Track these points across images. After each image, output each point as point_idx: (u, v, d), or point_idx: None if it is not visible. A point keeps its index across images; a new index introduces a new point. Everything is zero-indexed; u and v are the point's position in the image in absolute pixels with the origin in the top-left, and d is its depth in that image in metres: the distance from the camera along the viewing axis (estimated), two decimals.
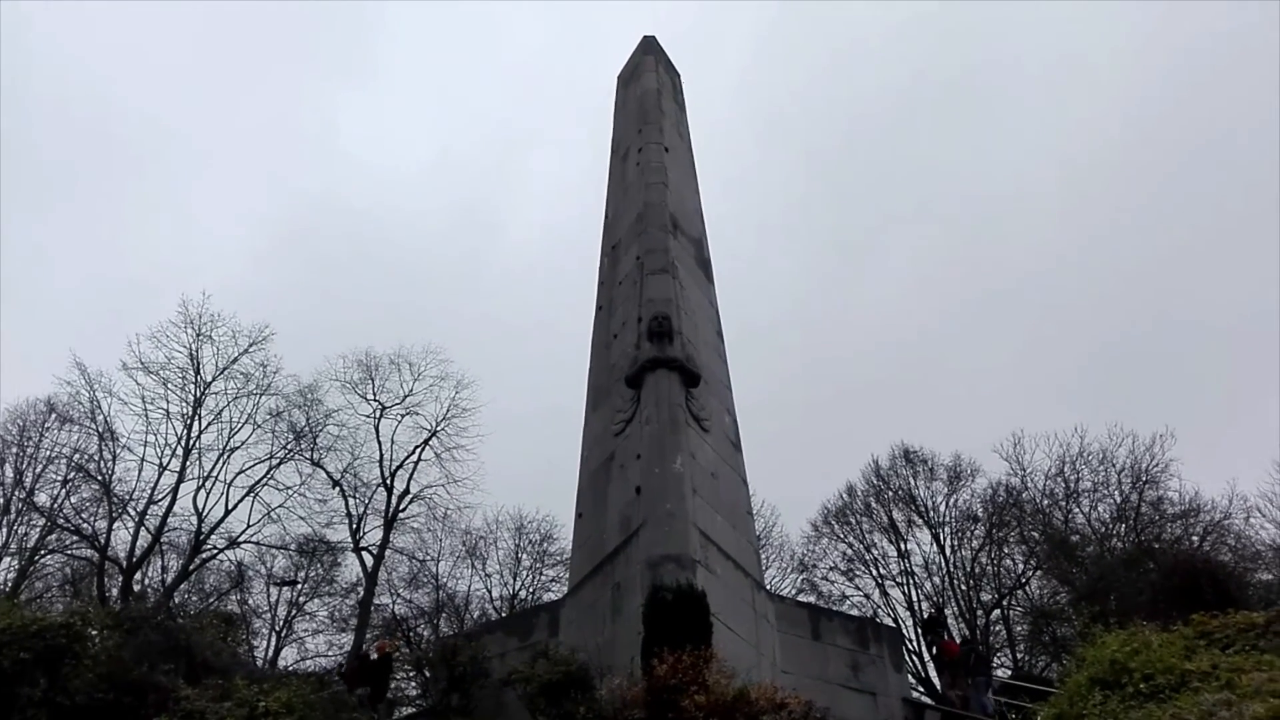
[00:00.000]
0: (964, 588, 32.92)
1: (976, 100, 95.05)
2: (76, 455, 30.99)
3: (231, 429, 31.30)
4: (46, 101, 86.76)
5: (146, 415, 30.21)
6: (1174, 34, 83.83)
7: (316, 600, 35.59)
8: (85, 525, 29.99)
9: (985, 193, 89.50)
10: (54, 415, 31.90)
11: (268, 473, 31.64)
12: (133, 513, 29.72)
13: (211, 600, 32.12)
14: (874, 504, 35.80)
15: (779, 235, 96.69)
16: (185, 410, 30.72)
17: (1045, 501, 33.12)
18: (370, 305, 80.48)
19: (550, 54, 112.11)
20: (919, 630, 30.46)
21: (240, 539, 31.13)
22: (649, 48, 29.76)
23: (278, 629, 34.15)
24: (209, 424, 31.04)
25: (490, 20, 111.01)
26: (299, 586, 34.78)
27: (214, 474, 30.69)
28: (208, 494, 30.49)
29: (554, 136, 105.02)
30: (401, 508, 33.74)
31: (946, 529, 34.17)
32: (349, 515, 33.41)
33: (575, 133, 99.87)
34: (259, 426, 31.87)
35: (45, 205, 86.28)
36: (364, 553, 33.32)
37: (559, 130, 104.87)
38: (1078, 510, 32.46)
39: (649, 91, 27.38)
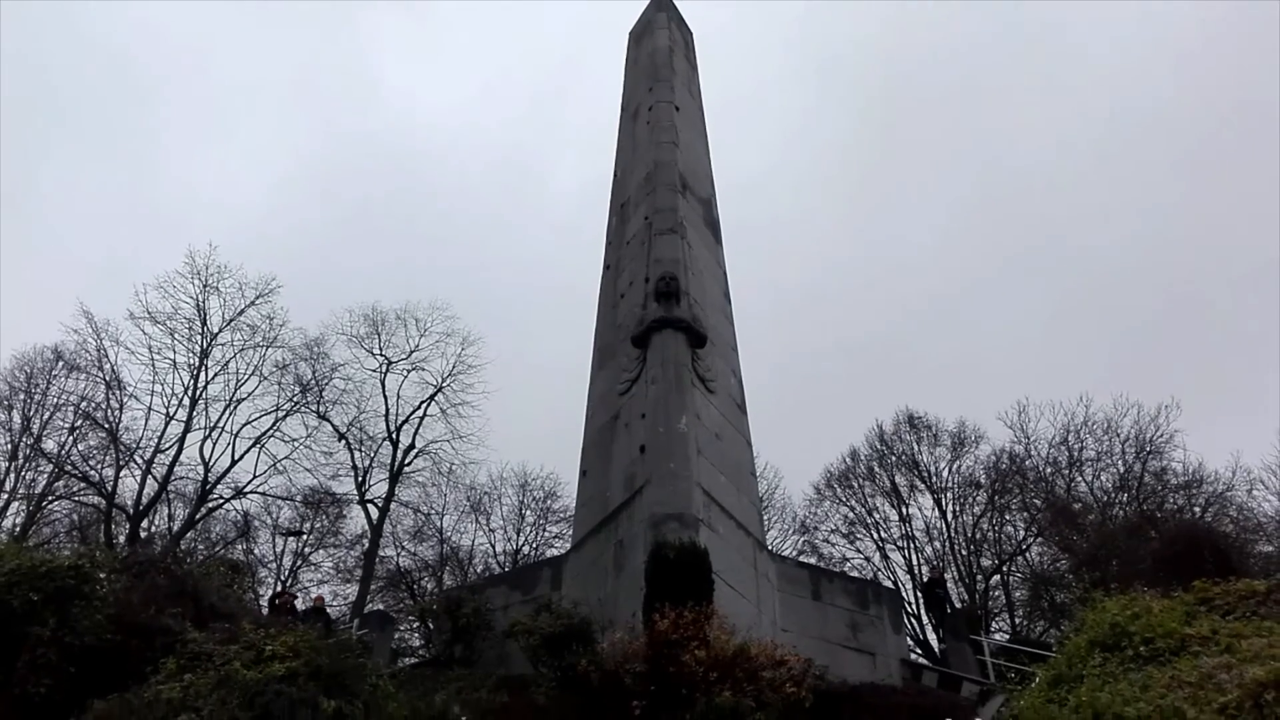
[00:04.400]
0: (964, 553, 33.12)
1: (1032, 57, 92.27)
2: (84, 403, 31.29)
3: (238, 380, 31.63)
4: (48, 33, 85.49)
5: (153, 365, 30.52)
6: None
7: (322, 551, 36.04)
8: (92, 472, 30.35)
9: (1023, 157, 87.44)
10: (61, 363, 32.11)
11: (274, 424, 32.00)
12: (139, 461, 30.06)
13: (218, 549, 32.46)
14: (877, 468, 35.96)
15: (805, 197, 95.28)
16: (192, 361, 31.02)
17: (1048, 469, 33.26)
18: (400, 251, 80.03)
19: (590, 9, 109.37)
20: (919, 593, 30.68)
21: (246, 489, 31.56)
22: (661, 4, 29.38)
23: (283, 578, 34.50)
24: (215, 375, 31.40)
25: None
26: (304, 537, 35.13)
27: (220, 424, 31.04)
28: (214, 444, 30.89)
29: (598, 84, 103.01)
30: (407, 462, 34.12)
31: (949, 494, 34.34)
32: (354, 468, 33.82)
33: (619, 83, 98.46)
34: (265, 378, 32.21)
35: (54, 144, 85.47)
36: (369, 505, 33.74)
37: (603, 79, 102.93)
38: (1080, 479, 32.63)
39: (660, 49, 27.05)
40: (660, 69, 26.25)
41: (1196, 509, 28.73)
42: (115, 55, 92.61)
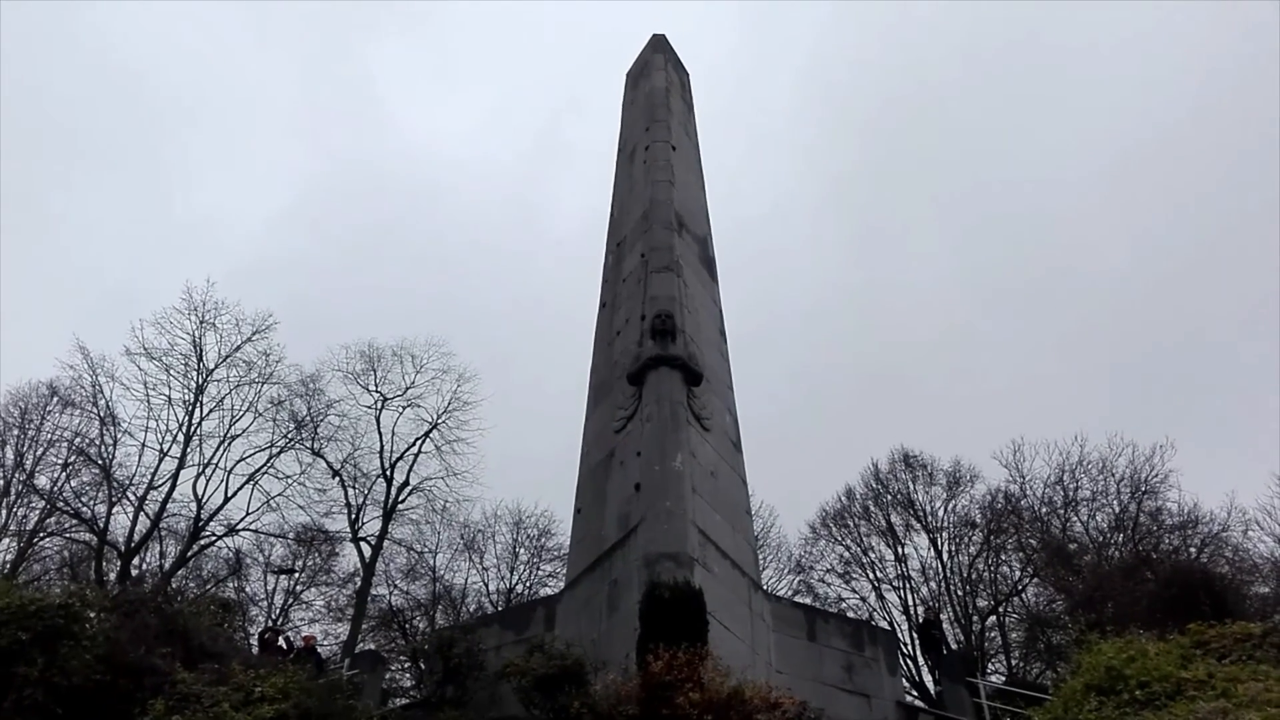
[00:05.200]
0: (960, 593, 32.91)
1: (1029, 83, 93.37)
2: (77, 439, 31.14)
3: (233, 417, 31.57)
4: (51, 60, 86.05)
5: (148, 401, 30.44)
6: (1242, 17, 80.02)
7: (314, 589, 35.71)
8: (85, 509, 30.08)
9: (1026, 184, 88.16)
10: (56, 399, 32.01)
11: (268, 461, 31.85)
12: (132, 497, 29.87)
13: (209, 587, 32.17)
14: (872, 507, 35.81)
15: (809, 228, 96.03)
16: (187, 397, 30.93)
17: (1044, 509, 33.16)
18: (398, 281, 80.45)
19: (589, 42, 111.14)
20: (914, 634, 30.48)
21: (239, 526, 31.34)
22: (658, 46, 29.80)
23: (274, 617, 34.18)
24: (210, 411, 31.30)
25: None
26: (296, 575, 34.86)
27: (214, 461, 30.94)
28: (207, 481, 30.73)
29: (598, 123, 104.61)
30: (400, 499, 33.95)
31: (944, 534, 34.18)
32: (348, 505, 33.63)
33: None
34: (260, 415, 32.13)
35: (53, 178, 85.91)
36: (362, 543, 33.49)
37: (604, 118, 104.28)
38: (1076, 519, 32.52)
39: (657, 90, 27.39)
40: (657, 109, 26.57)
41: (1192, 549, 28.61)
42: (122, 83, 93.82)
